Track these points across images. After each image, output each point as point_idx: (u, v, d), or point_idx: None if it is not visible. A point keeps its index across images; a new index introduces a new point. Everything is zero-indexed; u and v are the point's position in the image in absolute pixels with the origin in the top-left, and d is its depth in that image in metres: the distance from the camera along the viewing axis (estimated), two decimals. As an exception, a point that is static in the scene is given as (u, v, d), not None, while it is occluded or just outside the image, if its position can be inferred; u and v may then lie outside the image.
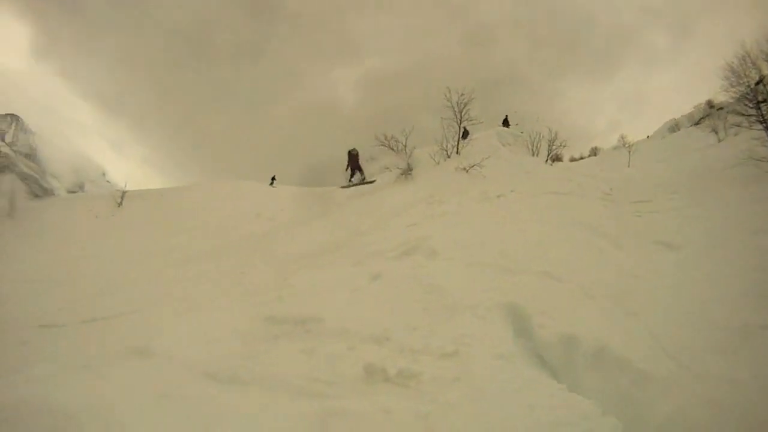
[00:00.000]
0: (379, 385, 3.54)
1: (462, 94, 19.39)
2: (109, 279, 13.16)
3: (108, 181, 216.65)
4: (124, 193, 26.04)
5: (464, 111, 19.39)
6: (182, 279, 11.27)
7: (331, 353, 4.18)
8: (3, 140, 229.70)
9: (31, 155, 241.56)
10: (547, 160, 20.91)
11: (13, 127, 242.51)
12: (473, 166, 15.19)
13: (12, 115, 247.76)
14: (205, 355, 4.66)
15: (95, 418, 3.58)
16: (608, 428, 2.74)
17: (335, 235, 11.13)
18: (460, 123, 19.60)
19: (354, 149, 18.90)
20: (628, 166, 21.75)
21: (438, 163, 17.97)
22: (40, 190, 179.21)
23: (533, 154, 21.72)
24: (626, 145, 29.53)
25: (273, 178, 31.72)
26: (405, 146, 18.72)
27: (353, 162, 19.00)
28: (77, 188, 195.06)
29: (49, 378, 5.30)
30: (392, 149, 18.90)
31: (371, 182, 18.17)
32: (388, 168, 19.65)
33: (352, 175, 19.03)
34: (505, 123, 28.77)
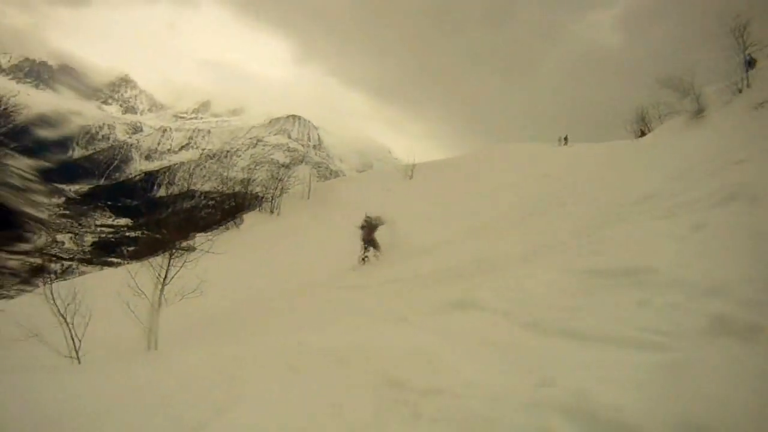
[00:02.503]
0: (723, 338, 3.48)
1: (738, 15, 18.14)
2: (407, 245, 14.59)
3: (395, 158, 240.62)
4: (413, 166, 30.44)
5: (745, 35, 18.10)
6: (483, 239, 12.02)
7: (667, 304, 4.25)
8: (289, 137, 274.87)
9: (317, 145, 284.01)
10: None
11: (296, 125, 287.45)
12: (771, 101, 13.96)
13: (294, 116, 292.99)
14: (525, 307, 5.11)
15: (421, 361, 4.20)
16: None
17: (631, 189, 11.06)
18: (745, 50, 18.19)
19: (368, 218, 15.77)
20: None
21: (728, 102, 16.73)
22: (329, 173, 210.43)
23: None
24: None
25: (565, 138, 33.79)
26: (692, 86, 17.65)
27: (367, 234, 15.80)
28: (366, 168, 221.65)
29: (365, 328, 6.09)
30: (677, 91, 18.24)
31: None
32: (676, 112, 18.18)
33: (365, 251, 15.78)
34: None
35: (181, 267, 11.74)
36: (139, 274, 11.39)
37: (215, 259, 14.36)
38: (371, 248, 15.68)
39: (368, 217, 15.83)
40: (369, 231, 15.71)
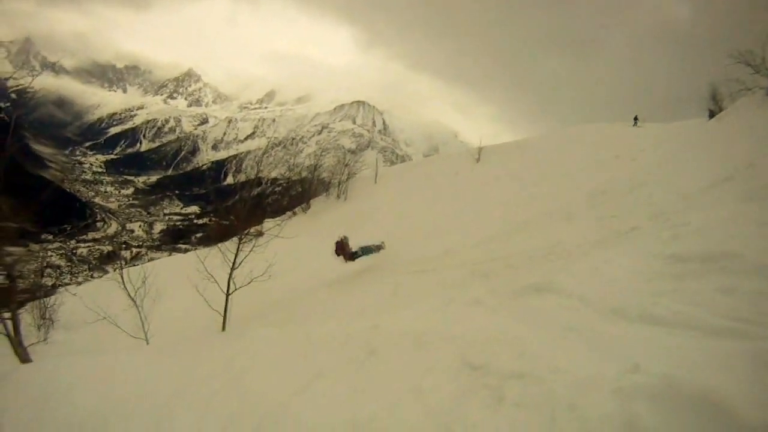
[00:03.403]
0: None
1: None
2: (477, 228, 14.48)
3: (461, 142, 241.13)
4: (480, 149, 30.38)
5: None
6: (556, 223, 12.12)
7: (753, 291, 4.16)
8: (355, 123, 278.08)
9: (383, 130, 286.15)
10: None
11: (361, 111, 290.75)
12: None
13: (358, 102, 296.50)
14: (607, 293, 4.99)
15: (501, 345, 4.13)
16: None
17: (708, 171, 10.66)
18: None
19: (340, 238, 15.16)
20: None
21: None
22: (396, 158, 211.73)
23: None
24: None
25: (635, 118, 32.64)
26: (764, 60, 15.94)
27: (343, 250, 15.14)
28: (432, 151, 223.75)
29: (440, 311, 6.04)
30: (750, 65, 16.47)
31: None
32: (749, 89, 17.16)
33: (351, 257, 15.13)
34: None
35: (250, 251, 11.97)
36: (209, 259, 11.66)
37: (283, 243, 14.51)
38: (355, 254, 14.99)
39: (338, 241, 15.04)
40: (346, 250, 14.98)
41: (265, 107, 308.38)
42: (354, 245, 14.78)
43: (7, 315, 7.53)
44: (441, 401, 3.58)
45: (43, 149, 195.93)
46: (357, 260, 14.95)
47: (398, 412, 3.60)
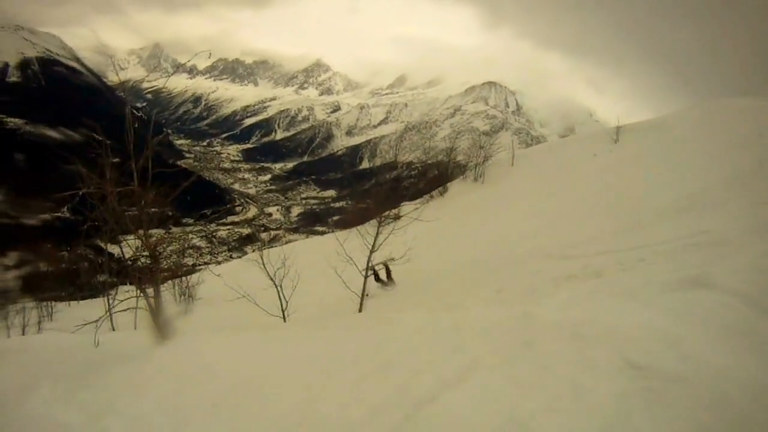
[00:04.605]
0: None
1: None
2: (618, 213, 13.75)
3: (596, 121, 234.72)
4: (618, 129, 29.34)
5: None
6: (700, 209, 11.58)
7: None
8: (487, 104, 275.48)
9: (516, 111, 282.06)
10: None
11: (493, 92, 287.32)
12: None
13: (489, 83, 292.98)
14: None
15: (663, 344, 3.86)
16: None
17: None
18: None
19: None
20: None
21: None
22: (531, 139, 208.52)
23: None
24: None
25: None
26: None
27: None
28: (568, 132, 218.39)
29: (589, 301, 5.77)
30: None
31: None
32: None
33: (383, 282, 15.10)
34: None
35: (389, 234, 12.12)
36: (347, 241, 12.00)
37: (422, 226, 14.67)
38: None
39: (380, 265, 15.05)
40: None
41: (396, 92, 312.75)
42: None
43: (150, 292, 7.78)
44: (602, 402, 3.31)
45: (183, 142, 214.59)
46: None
47: (558, 411, 3.33)
